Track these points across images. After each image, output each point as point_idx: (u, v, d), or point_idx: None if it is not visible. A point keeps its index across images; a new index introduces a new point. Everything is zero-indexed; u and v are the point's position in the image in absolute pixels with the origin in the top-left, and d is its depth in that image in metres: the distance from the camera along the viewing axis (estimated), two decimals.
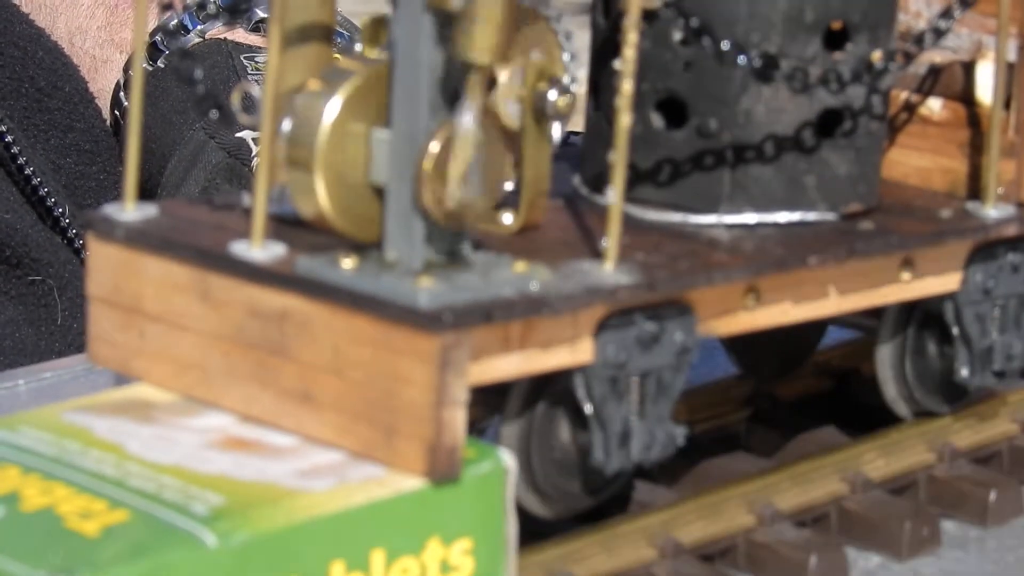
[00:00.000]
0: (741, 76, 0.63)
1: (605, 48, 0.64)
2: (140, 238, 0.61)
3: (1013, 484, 0.69)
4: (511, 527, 0.57)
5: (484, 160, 0.56)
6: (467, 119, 0.55)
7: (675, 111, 0.64)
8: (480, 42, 0.55)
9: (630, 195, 0.60)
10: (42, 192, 1.00)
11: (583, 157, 0.65)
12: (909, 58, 0.66)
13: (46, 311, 0.97)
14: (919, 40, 0.65)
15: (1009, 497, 0.68)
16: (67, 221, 0.99)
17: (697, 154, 0.64)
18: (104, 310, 0.62)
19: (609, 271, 0.58)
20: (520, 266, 0.58)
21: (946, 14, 0.66)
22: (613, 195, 0.58)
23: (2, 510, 0.53)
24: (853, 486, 0.66)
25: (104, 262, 0.62)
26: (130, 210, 0.62)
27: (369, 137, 0.58)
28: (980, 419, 0.67)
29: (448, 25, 0.56)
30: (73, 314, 0.96)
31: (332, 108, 0.58)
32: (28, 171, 1.02)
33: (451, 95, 0.56)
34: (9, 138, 1.04)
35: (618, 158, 0.58)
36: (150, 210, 0.62)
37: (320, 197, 0.58)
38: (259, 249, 0.58)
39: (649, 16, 0.58)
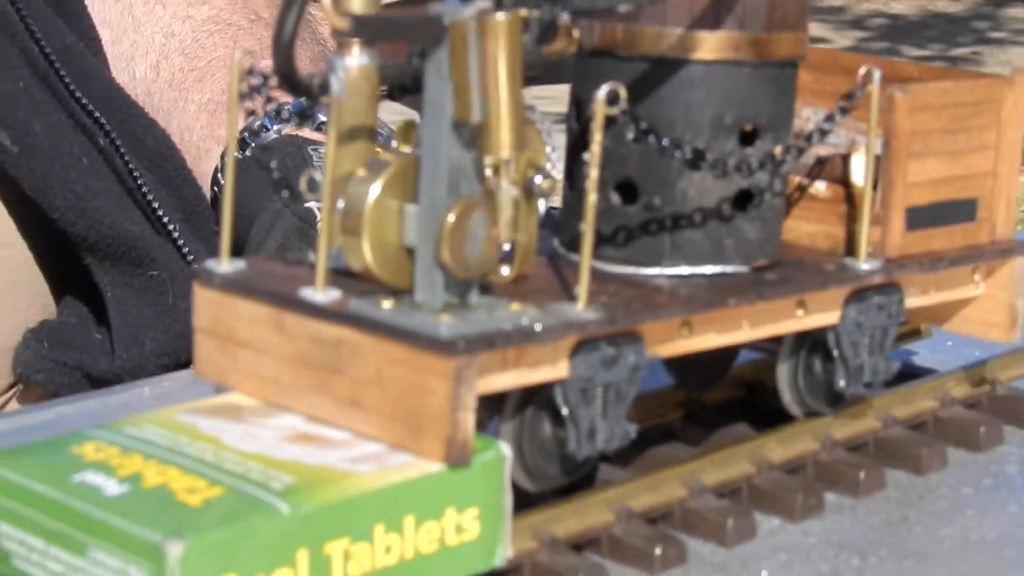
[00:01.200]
0: (678, 165, 0.63)
1: (577, 145, 0.65)
2: (232, 285, 0.62)
3: (877, 466, 0.69)
4: (507, 499, 0.58)
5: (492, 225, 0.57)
6: (507, 192, 0.56)
7: (629, 192, 0.65)
8: (504, 142, 0.55)
9: (596, 254, 0.60)
10: (160, 212, 0.99)
11: (561, 226, 0.66)
12: (801, 151, 0.66)
13: (161, 297, 0.97)
14: (808, 138, 0.66)
15: (874, 476, 0.68)
16: (177, 234, 0.98)
17: (645, 223, 0.65)
18: (206, 338, 0.63)
19: (580, 310, 0.59)
20: (515, 306, 0.59)
21: (829, 119, 0.66)
22: (583, 254, 0.58)
23: (128, 487, 0.53)
24: (759, 467, 0.67)
25: (206, 302, 0.63)
26: (225, 264, 0.63)
27: (402, 211, 0.59)
28: (853, 417, 0.68)
29: (464, 129, 0.56)
30: (179, 298, 0.97)
31: (375, 190, 0.58)
32: (149, 196, 1.00)
33: (464, 179, 0.57)
34: (136, 172, 1.01)
35: (587, 227, 0.58)
36: (239, 264, 0.63)
37: (366, 255, 0.59)
38: (321, 293, 0.59)
39: (609, 121, 0.58)
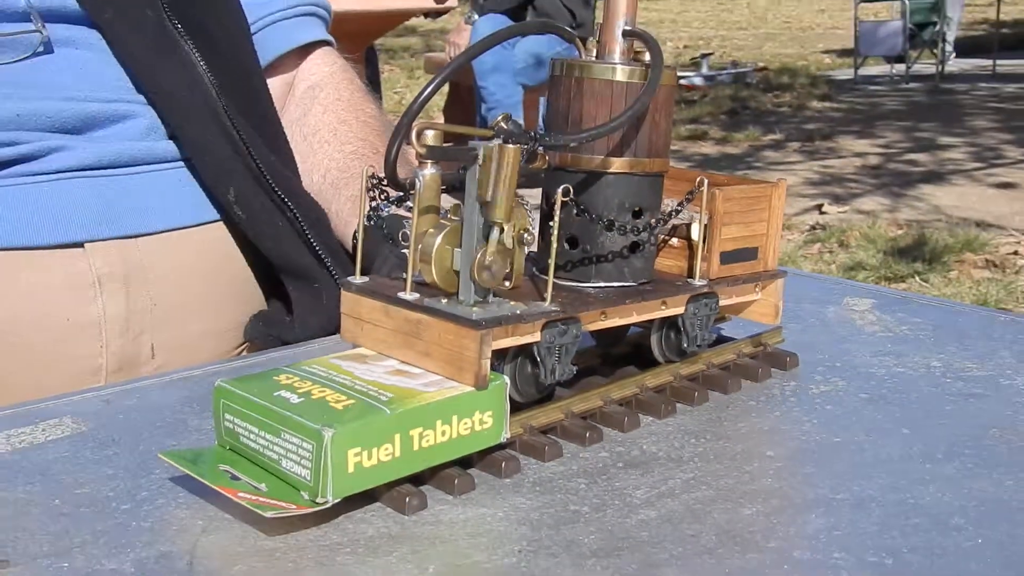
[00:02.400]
0: (599, 229, 0.60)
1: (545, 218, 0.61)
2: (361, 290, 0.59)
3: (703, 389, 0.67)
4: (507, 406, 0.56)
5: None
6: (507, 242, 0.54)
7: (573, 242, 0.61)
8: (504, 215, 0.53)
9: (555, 275, 0.58)
10: (321, 254, 0.93)
11: (536, 259, 0.62)
12: (665, 222, 0.63)
13: (319, 299, 0.92)
14: (669, 215, 0.63)
15: (702, 394, 0.66)
16: (330, 264, 0.93)
17: (581, 259, 0.61)
18: (346, 318, 0.60)
19: (547, 305, 0.56)
20: (512, 303, 0.56)
21: (680, 204, 0.64)
22: (549, 275, 0.57)
23: (303, 399, 0.52)
24: (641, 389, 0.65)
25: (347, 299, 0.60)
26: (358, 280, 0.60)
27: (453, 252, 0.56)
28: (690, 363, 0.65)
29: (485, 208, 0.54)
30: (330, 299, 0.89)
31: (438, 241, 0.56)
32: (316, 246, 0.94)
33: (484, 233, 0.55)
34: (309, 234, 0.95)
35: (551, 261, 0.56)
36: (365, 279, 0.60)
37: (433, 275, 0.56)
38: (408, 295, 0.57)
39: (563, 205, 0.56)
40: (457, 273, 0.56)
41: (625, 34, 0.61)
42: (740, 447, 0.59)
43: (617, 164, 0.61)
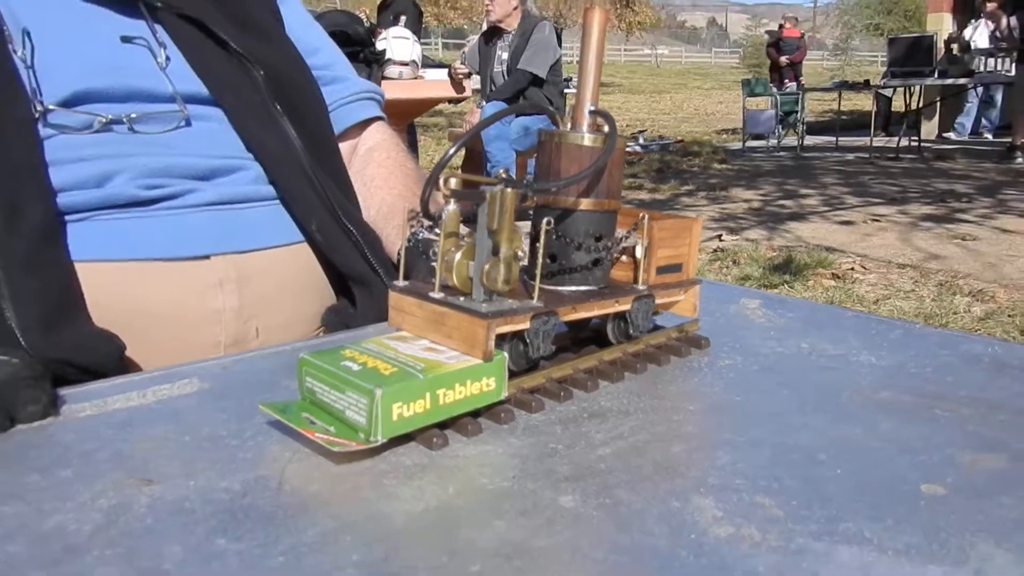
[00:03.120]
0: (572, 249, 0.59)
1: (533, 241, 0.58)
2: (404, 290, 0.56)
3: (644, 363, 0.64)
4: (506, 374, 0.54)
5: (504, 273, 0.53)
6: (507, 257, 0.52)
7: (553, 259, 0.59)
8: (503, 237, 0.51)
9: (540, 282, 0.55)
10: (374, 264, 0.90)
11: (527, 270, 0.59)
12: (619, 244, 0.61)
13: (375, 298, 0.88)
14: (621, 240, 0.61)
15: (643, 366, 0.63)
16: (382, 272, 0.90)
17: (560, 270, 0.59)
18: (392, 309, 0.57)
19: (534, 303, 0.54)
20: (510, 301, 0.54)
21: (628, 233, 0.62)
22: (537, 281, 0.55)
23: (361, 367, 0.50)
24: (600, 362, 0.61)
25: (394, 296, 0.57)
26: (401, 283, 0.57)
27: (468, 263, 0.54)
28: (635, 344, 0.62)
29: (491, 233, 0.52)
30: (381, 299, 0.76)
31: (458, 256, 0.54)
32: (372, 260, 0.91)
33: (491, 251, 0.53)
34: (367, 252, 0.92)
35: (537, 272, 0.54)
36: (406, 283, 0.57)
37: (455, 280, 0.54)
38: (437, 294, 0.54)
39: (547, 231, 0.54)
40: (471, 279, 0.54)
41: (591, 112, 0.59)
42: (669, 403, 0.56)
43: (584, 203, 0.59)
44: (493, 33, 4.62)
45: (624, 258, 0.64)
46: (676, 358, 0.65)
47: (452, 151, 0.56)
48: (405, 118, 5.35)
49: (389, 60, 4.55)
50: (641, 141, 10.16)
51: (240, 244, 0.85)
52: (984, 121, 10.30)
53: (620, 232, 0.63)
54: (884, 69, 9.86)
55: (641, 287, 0.62)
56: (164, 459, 0.48)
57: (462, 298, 0.54)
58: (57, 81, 0.80)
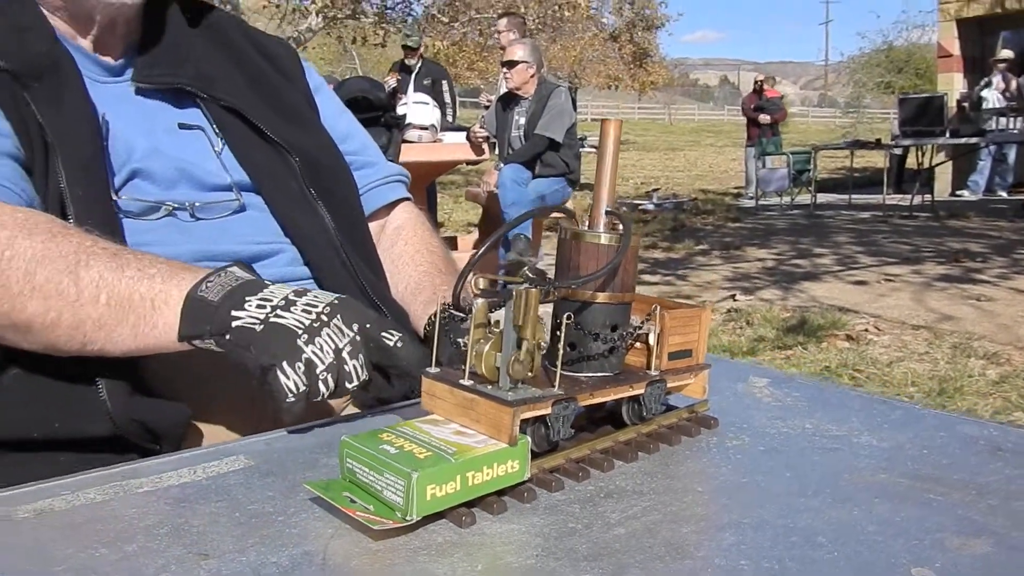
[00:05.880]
0: (590, 338, 0.63)
1: (554, 330, 0.62)
2: (436, 377, 0.60)
3: (657, 442, 0.67)
4: (528, 456, 0.57)
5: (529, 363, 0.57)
6: (530, 348, 0.56)
7: (572, 347, 0.63)
8: (527, 332, 0.55)
9: (561, 369, 0.60)
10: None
11: (548, 357, 0.63)
12: (634, 333, 0.65)
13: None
14: (635, 328, 0.65)
15: (655, 446, 0.66)
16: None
17: (579, 358, 0.63)
18: (425, 395, 0.61)
19: (555, 390, 0.59)
20: (533, 389, 0.58)
21: (642, 323, 0.66)
22: (558, 369, 0.59)
23: (397, 450, 0.54)
24: (616, 442, 0.65)
25: (426, 382, 0.61)
26: (433, 369, 0.62)
27: (495, 354, 0.58)
28: (648, 424, 0.66)
29: (517, 326, 0.56)
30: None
31: (487, 348, 0.58)
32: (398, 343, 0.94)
33: (516, 344, 0.57)
34: (391, 333, 0.96)
35: (559, 361, 0.58)
36: (438, 370, 0.62)
37: (483, 369, 0.59)
38: (466, 381, 0.59)
39: (567, 324, 0.58)
40: (498, 369, 0.58)
41: (607, 213, 0.65)
42: (680, 484, 0.60)
43: (601, 297, 0.63)
44: (511, 98, 4.75)
45: (639, 344, 0.69)
46: (687, 438, 0.69)
47: (482, 251, 0.62)
48: (425, 179, 5.47)
49: (409, 124, 4.67)
50: (655, 200, 10.27)
51: None
52: (997, 179, 10.35)
53: (635, 320, 0.67)
54: (896, 125, 9.98)
55: (654, 373, 0.67)
56: (218, 534, 0.52)
57: (489, 386, 0.58)
58: (128, 163, 0.88)
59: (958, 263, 5.70)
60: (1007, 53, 9.41)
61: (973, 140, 8.73)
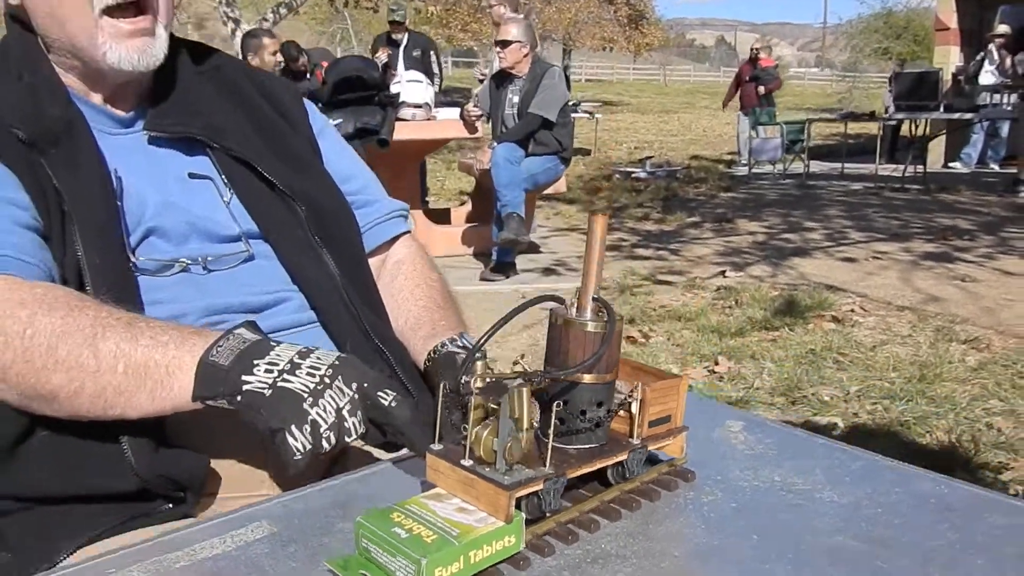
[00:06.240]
0: (577, 416, 0.69)
1: (545, 406, 0.69)
2: (438, 454, 0.66)
3: (639, 499, 0.73)
4: (523, 529, 0.63)
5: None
6: (527, 436, 0.62)
7: (562, 422, 0.69)
8: (521, 423, 0.61)
9: (552, 441, 0.66)
10: (401, 376, 0.98)
11: (541, 430, 0.68)
12: (619, 409, 0.71)
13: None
14: (620, 405, 0.71)
15: (638, 503, 0.72)
16: (410, 387, 0.97)
17: (568, 432, 0.69)
18: (430, 469, 0.67)
19: (546, 469, 0.65)
20: (526, 469, 0.65)
21: (629, 394, 0.72)
22: (549, 445, 0.65)
23: (408, 534, 0.60)
24: (601, 502, 0.71)
25: (431, 458, 0.67)
26: (436, 447, 0.68)
27: (493, 439, 0.64)
28: (631, 483, 0.72)
29: (511, 418, 0.62)
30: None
31: (485, 433, 0.65)
32: (396, 369, 0.98)
33: (510, 433, 0.63)
34: (390, 356, 1.00)
35: (550, 437, 0.64)
36: (440, 447, 0.67)
37: (481, 453, 0.64)
38: (467, 462, 0.65)
39: (556, 408, 0.64)
40: (495, 452, 0.64)
41: (593, 299, 0.71)
42: (659, 547, 0.67)
43: (588, 379, 0.69)
44: (504, 77, 4.76)
45: (623, 413, 0.74)
46: (667, 492, 0.75)
47: (486, 337, 0.68)
48: (418, 156, 5.50)
49: (403, 103, 4.69)
50: (648, 168, 10.28)
51: None
52: (990, 152, 10.39)
53: (619, 394, 0.73)
54: (889, 96, 9.98)
55: (636, 441, 0.73)
56: None
57: (487, 468, 0.64)
58: (142, 221, 0.93)
59: (946, 241, 5.77)
60: (1004, 28, 9.38)
61: (967, 116, 8.76)
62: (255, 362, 0.74)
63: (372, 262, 1.14)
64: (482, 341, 0.68)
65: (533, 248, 5.37)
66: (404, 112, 4.71)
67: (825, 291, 4.36)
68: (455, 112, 5.09)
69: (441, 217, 5.81)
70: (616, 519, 0.71)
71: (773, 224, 6.76)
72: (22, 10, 0.95)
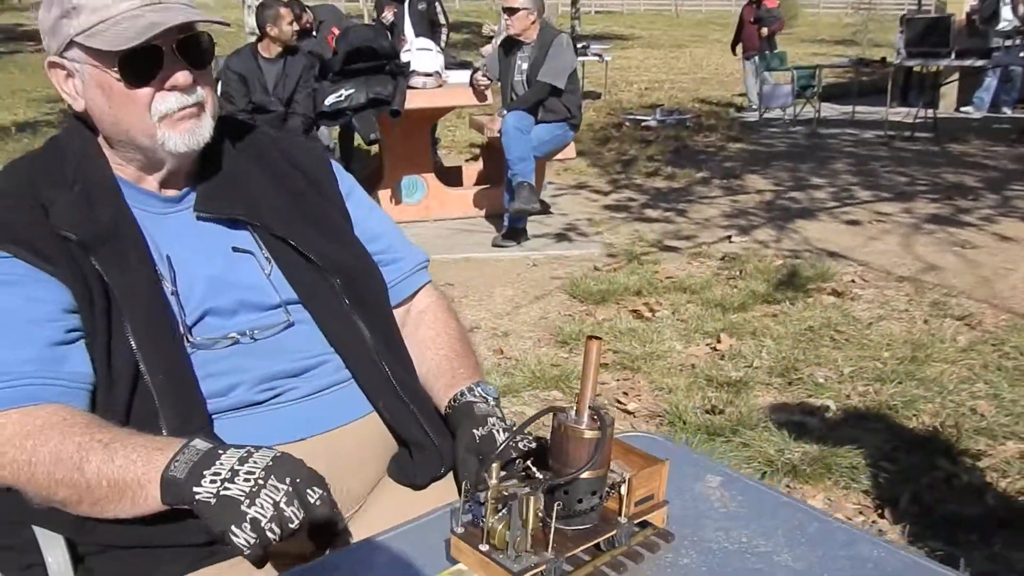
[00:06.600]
0: (575, 503, 0.83)
1: (550, 493, 0.83)
2: (461, 537, 0.80)
3: (627, 562, 0.86)
4: None
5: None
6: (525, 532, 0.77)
7: (564, 506, 0.83)
8: (529, 523, 0.75)
9: (555, 523, 0.80)
10: (427, 429, 1.14)
11: (546, 512, 0.82)
12: (611, 491, 0.84)
13: (427, 458, 1.14)
14: (613, 486, 0.85)
15: (640, 555, 0.87)
16: (433, 438, 1.14)
17: (567, 515, 0.83)
18: (453, 547, 0.81)
19: (548, 555, 0.79)
20: (533, 557, 0.79)
21: (622, 479, 0.87)
22: (553, 532, 0.80)
23: None
24: (595, 568, 0.85)
25: (454, 539, 0.81)
26: (459, 529, 0.82)
27: (506, 531, 0.78)
28: (620, 548, 0.86)
29: (520, 518, 0.77)
30: (433, 458, 1.12)
31: (500, 527, 0.79)
32: (422, 421, 1.14)
33: (520, 527, 0.78)
34: (417, 412, 1.15)
35: (552, 525, 0.79)
36: (461, 530, 0.81)
37: (495, 541, 0.78)
38: (484, 547, 0.79)
39: (557, 500, 0.79)
40: (507, 543, 0.79)
41: (590, 408, 0.85)
42: None
43: (586, 474, 0.83)
44: (512, 44, 4.80)
45: (614, 493, 0.88)
46: (649, 555, 0.89)
47: (508, 441, 0.82)
48: (430, 121, 5.57)
49: (413, 72, 4.76)
50: (658, 115, 10.26)
51: (327, 425, 1.11)
52: (1003, 95, 10.31)
53: (613, 473, 0.88)
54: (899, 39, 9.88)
55: (623, 520, 0.87)
56: None
57: (500, 554, 0.79)
58: (192, 303, 1.06)
59: (950, 201, 5.83)
60: None
61: (979, 63, 8.69)
62: (203, 473, 0.87)
63: (397, 312, 1.27)
64: (500, 448, 0.83)
65: (544, 208, 5.47)
66: (415, 81, 4.78)
67: (827, 259, 4.47)
68: (465, 76, 5.15)
69: (453, 177, 5.90)
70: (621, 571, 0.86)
71: (780, 180, 6.79)
72: (86, 114, 1.08)
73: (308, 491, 0.87)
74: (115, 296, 1.00)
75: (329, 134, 5.89)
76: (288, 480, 0.87)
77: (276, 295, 1.13)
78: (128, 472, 0.89)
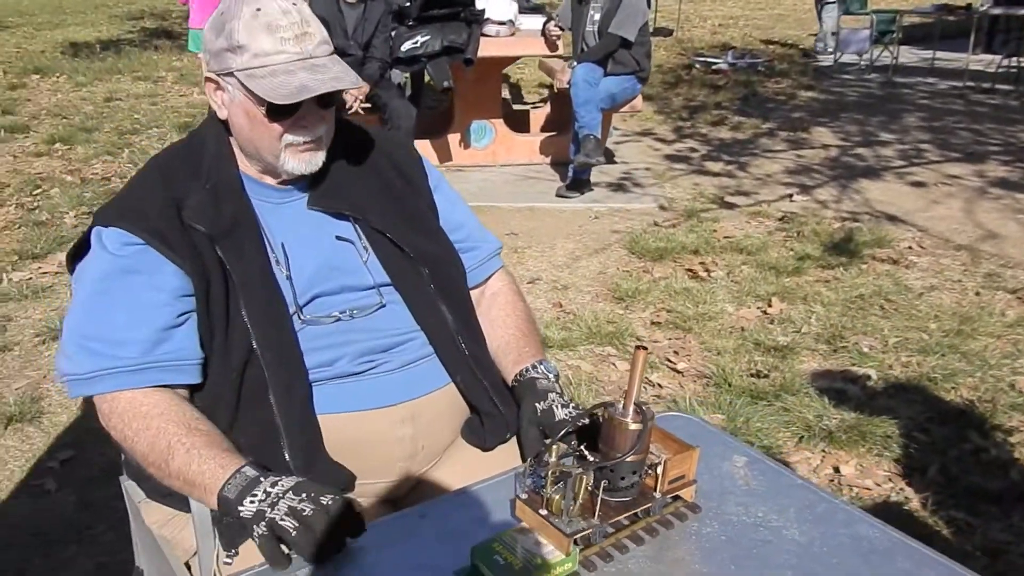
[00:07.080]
0: (619, 480, 1.00)
1: (598, 472, 1.01)
2: (524, 502, 0.99)
3: (660, 528, 1.04)
4: (577, 558, 0.97)
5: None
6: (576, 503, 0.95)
7: (609, 483, 1.01)
8: (580, 495, 0.93)
9: (601, 495, 0.99)
10: (495, 399, 1.35)
11: (595, 485, 1.00)
12: (648, 472, 1.03)
13: (496, 424, 1.35)
14: (652, 465, 1.04)
15: (662, 529, 1.06)
16: (501, 407, 1.34)
17: (612, 488, 1.00)
18: (518, 510, 1.00)
19: (595, 521, 0.98)
20: (582, 522, 0.98)
21: (659, 459, 1.05)
22: (596, 509, 0.99)
23: (505, 563, 0.93)
24: (632, 532, 1.05)
25: (519, 502, 1.00)
26: (523, 495, 1.02)
27: (561, 500, 0.96)
28: (654, 516, 1.04)
29: (572, 497, 0.96)
30: (500, 423, 1.34)
31: (556, 497, 0.97)
32: (490, 392, 1.35)
33: (572, 499, 0.97)
34: (487, 384, 1.36)
35: (599, 497, 0.98)
36: (526, 496, 1.00)
37: (553, 508, 0.95)
38: (543, 511, 0.98)
39: (604, 475, 0.97)
40: (562, 510, 0.97)
41: (635, 404, 1.03)
42: (665, 570, 0.99)
43: (629, 457, 1.01)
44: None
45: (651, 472, 1.07)
46: (678, 523, 1.07)
47: (562, 433, 1.01)
48: (501, 67, 5.66)
49: (488, 20, 4.85)
50: (729, 58, 10.09)
51: (414, 393, 1.30)
52: None
53: (651, 455, 1.06)
54: None
55: (657, 495, 1.06)
56: None
57: (556, 519, 0.98)
58: (302, 286, 1.26)
59: (1021, 164, 5.73)
60: None
61: None
62: (248, 497, 1.02)
63: (473, 293, 1.45)
64: (561, 434, 1.02)
65: (608, 159, 5.55)
66: (488, 28, 4.87)
67: (886, 223, 4.47)
68: (538, 22, 5.21)
69: (520, 122, 6.00)
70: (640, 544, 1.04)
71: (848, 135, 6.68)
72: (227, 122, 1.27)
73: (321, 497, 0.99)
74: (234, 282, 1.19)
75: (400, 73, 6.01)
76: (304, 494, 1.00)
77: (371, 279, 1.31)
78: (197, 479, 1.06)
